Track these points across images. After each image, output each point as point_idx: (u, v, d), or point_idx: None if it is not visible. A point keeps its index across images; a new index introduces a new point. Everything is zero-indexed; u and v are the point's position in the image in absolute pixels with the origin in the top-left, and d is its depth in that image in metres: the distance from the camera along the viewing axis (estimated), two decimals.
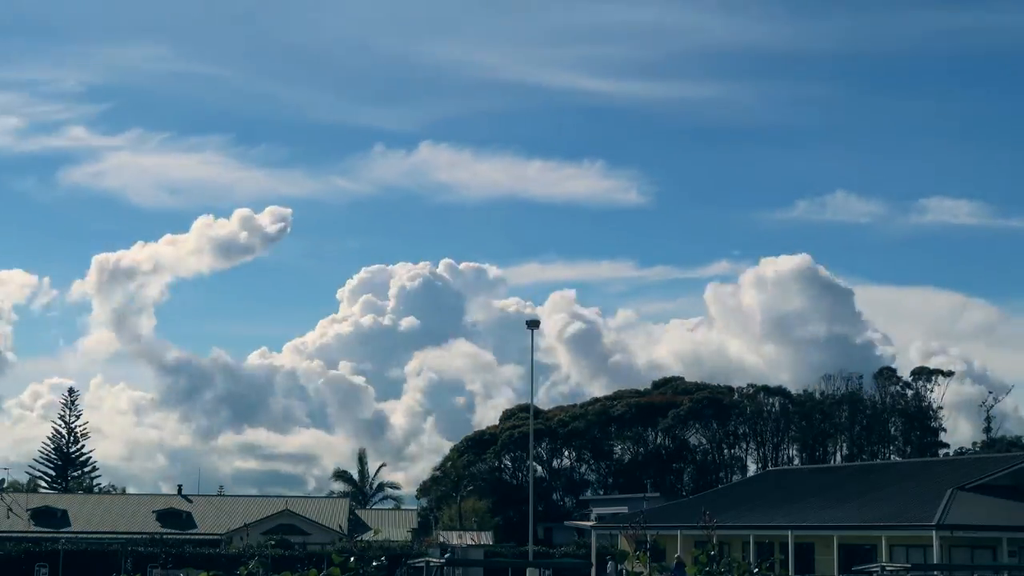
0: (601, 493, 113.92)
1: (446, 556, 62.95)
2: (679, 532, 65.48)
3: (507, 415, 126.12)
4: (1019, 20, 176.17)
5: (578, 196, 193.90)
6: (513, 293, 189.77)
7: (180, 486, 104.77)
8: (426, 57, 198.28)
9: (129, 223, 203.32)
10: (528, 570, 63.25)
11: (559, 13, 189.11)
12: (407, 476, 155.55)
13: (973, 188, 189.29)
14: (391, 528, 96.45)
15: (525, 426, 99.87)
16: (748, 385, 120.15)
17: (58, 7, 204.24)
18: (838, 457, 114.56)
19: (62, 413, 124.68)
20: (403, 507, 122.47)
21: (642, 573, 13.52)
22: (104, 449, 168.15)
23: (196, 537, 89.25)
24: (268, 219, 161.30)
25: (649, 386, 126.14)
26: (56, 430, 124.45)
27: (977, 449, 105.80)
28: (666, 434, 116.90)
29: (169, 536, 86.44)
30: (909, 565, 51.06)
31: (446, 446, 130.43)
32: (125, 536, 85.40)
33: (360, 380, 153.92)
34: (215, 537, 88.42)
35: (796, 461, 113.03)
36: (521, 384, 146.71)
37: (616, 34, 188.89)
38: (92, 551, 77.87)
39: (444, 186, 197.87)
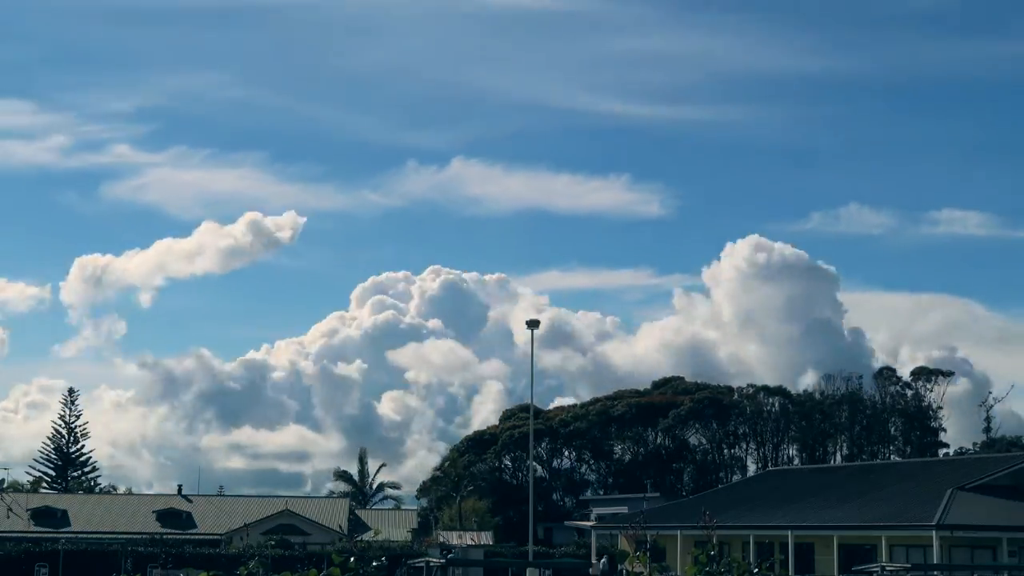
0: (601, 493, 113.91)
1: (448, 556, 62.88)
2: (679, 532, 65.50)
3: (507, 415, 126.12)
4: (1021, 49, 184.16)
5: (602, 208, 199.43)
6: (528, 298, 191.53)
7: (180, 486, 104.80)
8: (467, 83, 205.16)
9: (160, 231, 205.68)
10: (528, 570, 63.20)
11: (594, 43, 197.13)
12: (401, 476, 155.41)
13: (983, 200, 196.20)
14: (391, 528, 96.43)
15: (525, 426, 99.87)
16: (748, 385, 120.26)
17: (107, 39, 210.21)
18: (838, 457, 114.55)
19: (62, 413, 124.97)
20: (403, 507, 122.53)
21: (642, 573, 13.48)
22: (101, 450, 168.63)
23: (196, 537, 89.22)
24: (277, 225, 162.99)
25: (649, 386, 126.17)
26: (56, 430, 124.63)
27: (977, 449, 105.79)
28: (666, 434, 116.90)
29: (169, 536, 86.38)
30: (909, 565, 51.10)
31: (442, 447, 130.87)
32: (125, 536, 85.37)
33: (359, 378, 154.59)
34: (215, 537, 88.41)
35: (796, 461, 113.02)
36: (517, 386, 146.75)
37: (644, 62, 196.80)
38: (92, 551, 77.84)
39: (472, 199, 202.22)
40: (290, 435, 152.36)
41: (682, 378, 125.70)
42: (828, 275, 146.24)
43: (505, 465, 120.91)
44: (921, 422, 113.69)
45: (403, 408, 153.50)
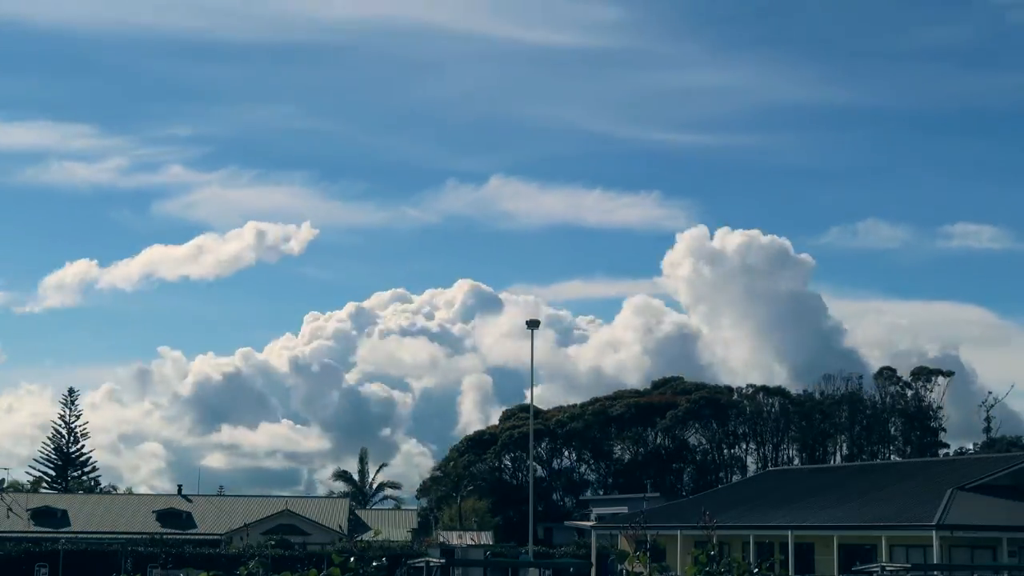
0: (601, 493, 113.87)
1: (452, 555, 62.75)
2: (679, 532, 65.45)
3: (507, 415, 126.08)
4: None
5: (631, 223, 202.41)
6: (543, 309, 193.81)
7: (180, 486, 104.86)
8: (513, 112, 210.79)
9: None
10: (529, 570, 63.14)
11: (633, 78, 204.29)
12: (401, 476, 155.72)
13: (996, 215, 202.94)
14: (391, 528, 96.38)
15: (525, 426, 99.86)
16: (747, 385, 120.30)
17: (180, 74, 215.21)
18: (838, 457, 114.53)
19: (62, 413, 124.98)
20: (403, 507, 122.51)
21: (642, 573, 13.48)
22: (101, 450, 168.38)
23: (196, 537, 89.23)
24: (282, 236, 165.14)
25: (649, 386, 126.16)
26: (56, 430, 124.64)
27: (977, 449, 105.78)
28: (666, 434, 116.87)
29: (169, 536, 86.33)
30: (909, 565, 51.06)
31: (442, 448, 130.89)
32: (125, 536, 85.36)
33: (366, 381, 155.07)
34: (215, 537, 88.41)
35: (796, 461, 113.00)
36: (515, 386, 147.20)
37: (678, 94, 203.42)
38: (92, 551, 77.89)
39: (506, 214, 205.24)
40: (290, 435, 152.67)
41: (681, 378, 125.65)
42: (837, 285, 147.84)
43: (505, 465, 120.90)
44: (921, 422, 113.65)
45: (403, 408, 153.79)
